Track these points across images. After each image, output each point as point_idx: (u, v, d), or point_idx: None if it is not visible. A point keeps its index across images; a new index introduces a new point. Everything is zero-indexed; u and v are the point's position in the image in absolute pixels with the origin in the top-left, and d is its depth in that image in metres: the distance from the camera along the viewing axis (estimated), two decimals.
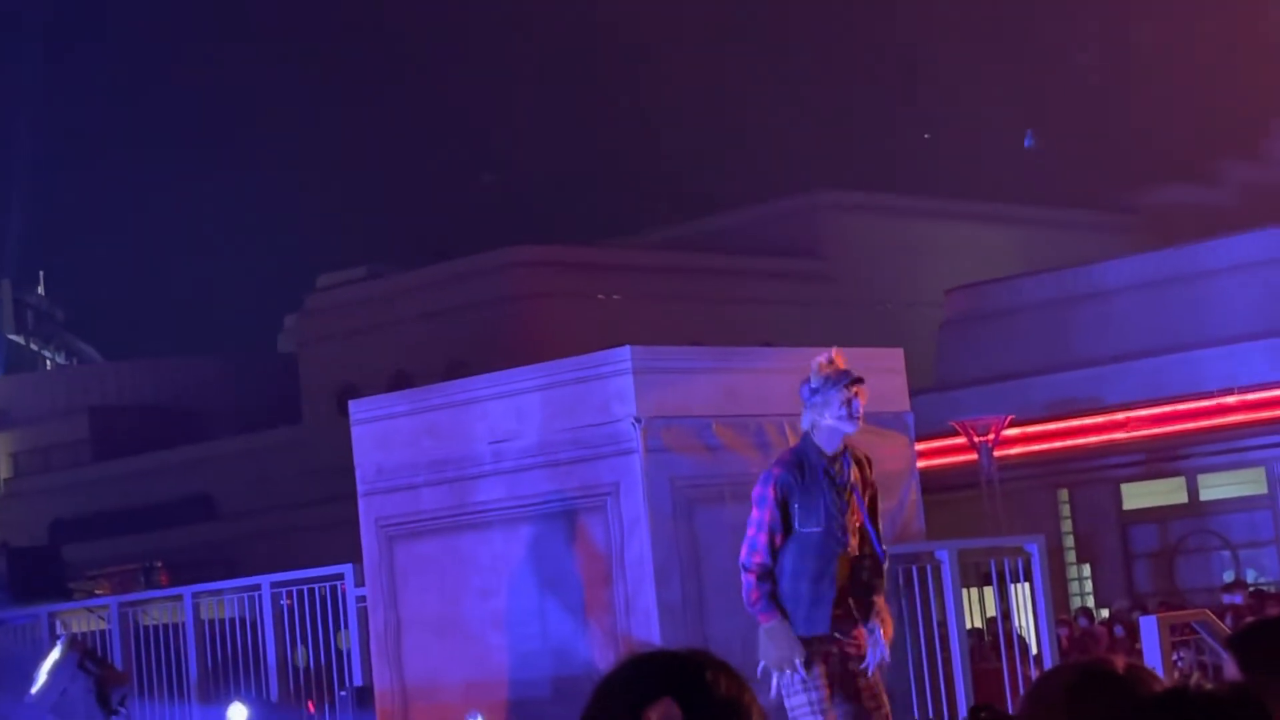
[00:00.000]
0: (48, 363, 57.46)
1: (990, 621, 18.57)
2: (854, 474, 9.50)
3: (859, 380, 9.55)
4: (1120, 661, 3.19)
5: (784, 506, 9.34)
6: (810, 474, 9.39)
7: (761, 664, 9.20)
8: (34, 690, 14.11)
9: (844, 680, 9.34)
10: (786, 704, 9.26)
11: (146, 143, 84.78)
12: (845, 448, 9.54)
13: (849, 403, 9.43)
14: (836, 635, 9.33)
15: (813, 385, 9.54)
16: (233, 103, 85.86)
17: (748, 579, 9.35)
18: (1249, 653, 4.73)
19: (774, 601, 9.27)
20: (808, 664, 9.21)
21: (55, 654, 14.09)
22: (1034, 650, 14.04)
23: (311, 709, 15.32)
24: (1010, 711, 11.91)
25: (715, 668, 2.79)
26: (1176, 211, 45.49)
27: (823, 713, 9.14)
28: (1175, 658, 14.95)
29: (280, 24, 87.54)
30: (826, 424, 9.47)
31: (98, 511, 45.99)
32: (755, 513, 9.40)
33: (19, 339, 56.52)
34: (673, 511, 12.00)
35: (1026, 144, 45.31)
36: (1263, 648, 4.80)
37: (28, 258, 58.86)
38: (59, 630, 17.15)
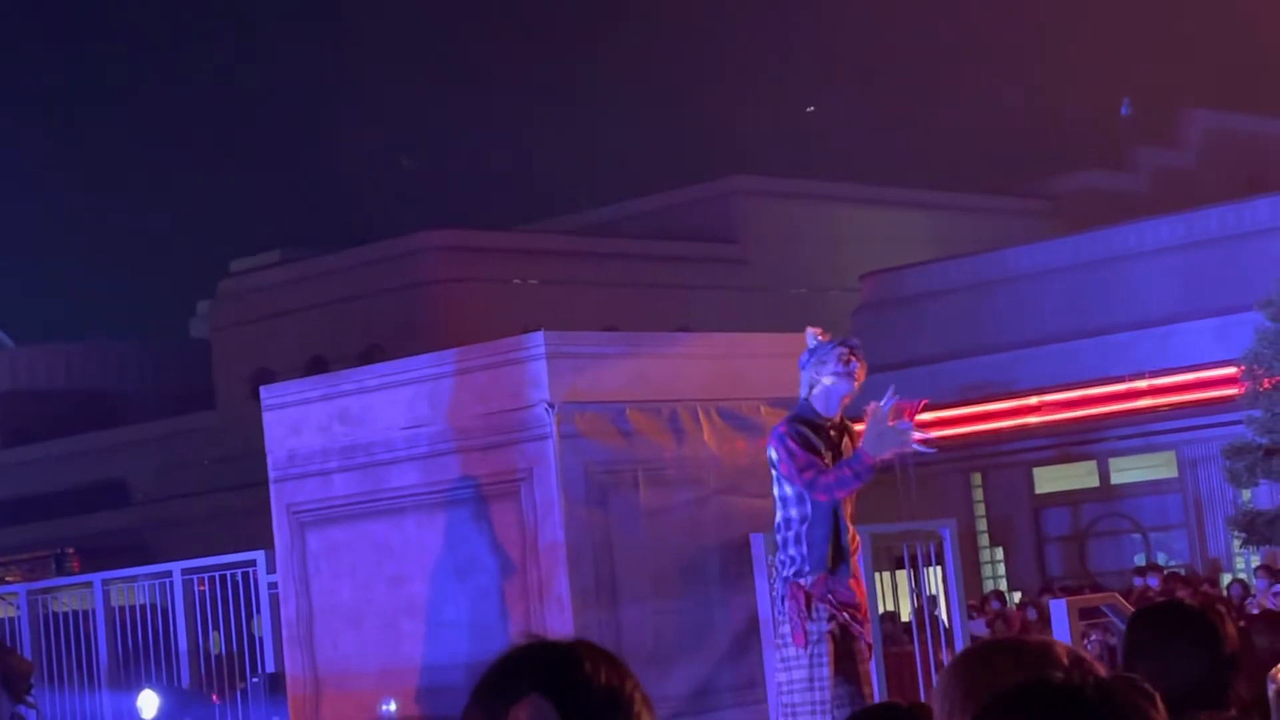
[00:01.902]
0: None
1: (917, 609, 18.64)
2: (845, 445, 9.61)
3: (858, 348, 9.63)
4: (1035, 640, 3.19)
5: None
6: (814, 434, 9.45)
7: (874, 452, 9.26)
8: None
9: (846, 659, 9.38)
10: (784, 675, 9.32)
11: (58, 121, 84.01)
12: (841, 418, 9.63)
13: (847, 360, 9.45)
14: (843, 601, 9.32)
15: (810, 345, 9.60)
16: (147, 81, 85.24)
17: (828, 481, 9.30)
18: (1134, 639, 4.79)
19: (846, 461, 9.37)
20: (817, 641, 9.26)
21: None
22: (946, 634, 14.12)
23: (216, 700, 15.22)
24: (923, 694, 11.96)
25: (595, 657, 2.75)
26: (1090, 197, 45.84)
27: (826, 713, 9.15)
28: (1085, 641, 15.09)
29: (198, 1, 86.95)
30: (825, 383, 9.50)
31: (9, 497, 45.56)
32: (789, 465, 9.42)
33: None
34: (586, 497, 11.99)
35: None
36: (1145, 633, 4.86)
37: None
38: None
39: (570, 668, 2.70)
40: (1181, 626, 4.85)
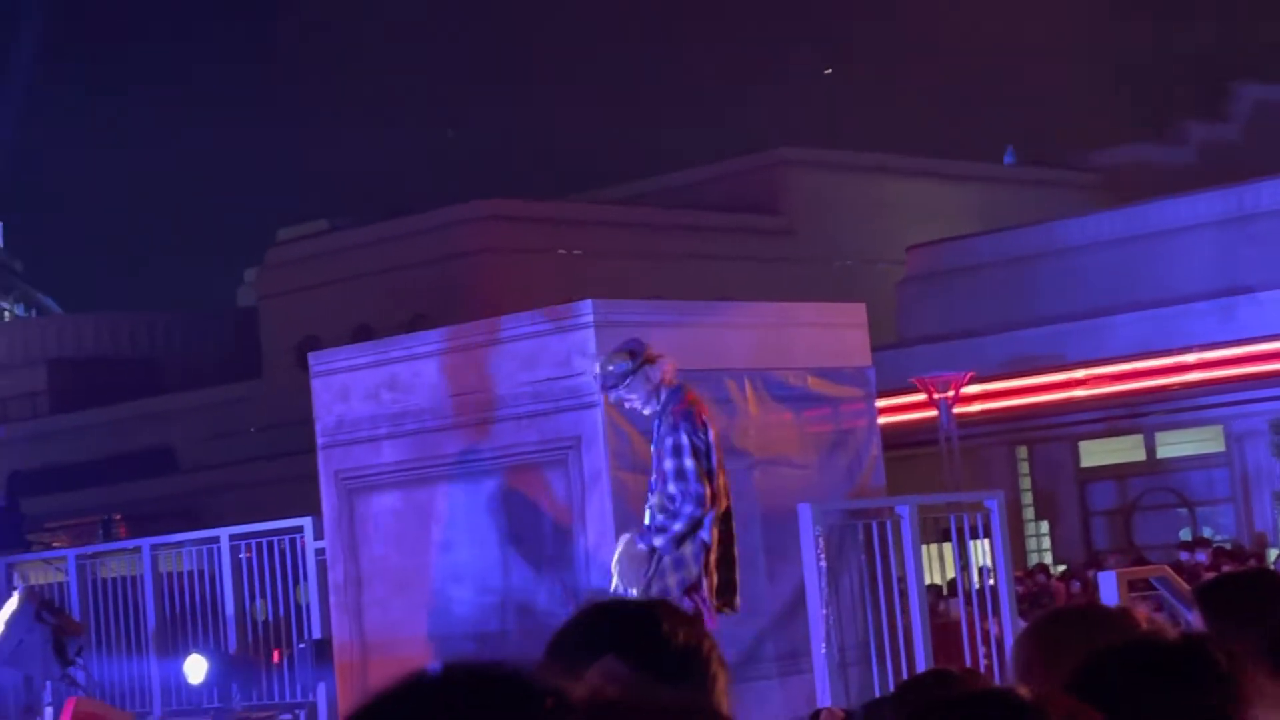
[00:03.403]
0: (6, 314, 57.18)
1: (951, 582, 18.62)
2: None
3: (605, 389, 10.06)
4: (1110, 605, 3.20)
5: None
6: None
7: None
8: None
9: None
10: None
11: (108, 96, 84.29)
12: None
13: None
14: None
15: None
16: (194, 57, 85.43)
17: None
18: (1213, 605, 4.76)
19: None
20: None
21: (12, 605, 14.07)
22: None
23: (277, 657, 15.30)
24: (969, 665, 11.96)
25: (673, 618, 2.74)
26: (1137, 170, 45.57)
27: None
28: None
29: None
30: None
31: (56, 464, 45.81)
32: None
33: None
34: (633, 465, 12.00)
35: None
36: (1226, 600, 4.83)
37: None
38: (16, 582, 17.08)
39: (647, 628, 2.70)
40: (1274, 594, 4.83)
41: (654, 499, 9.83)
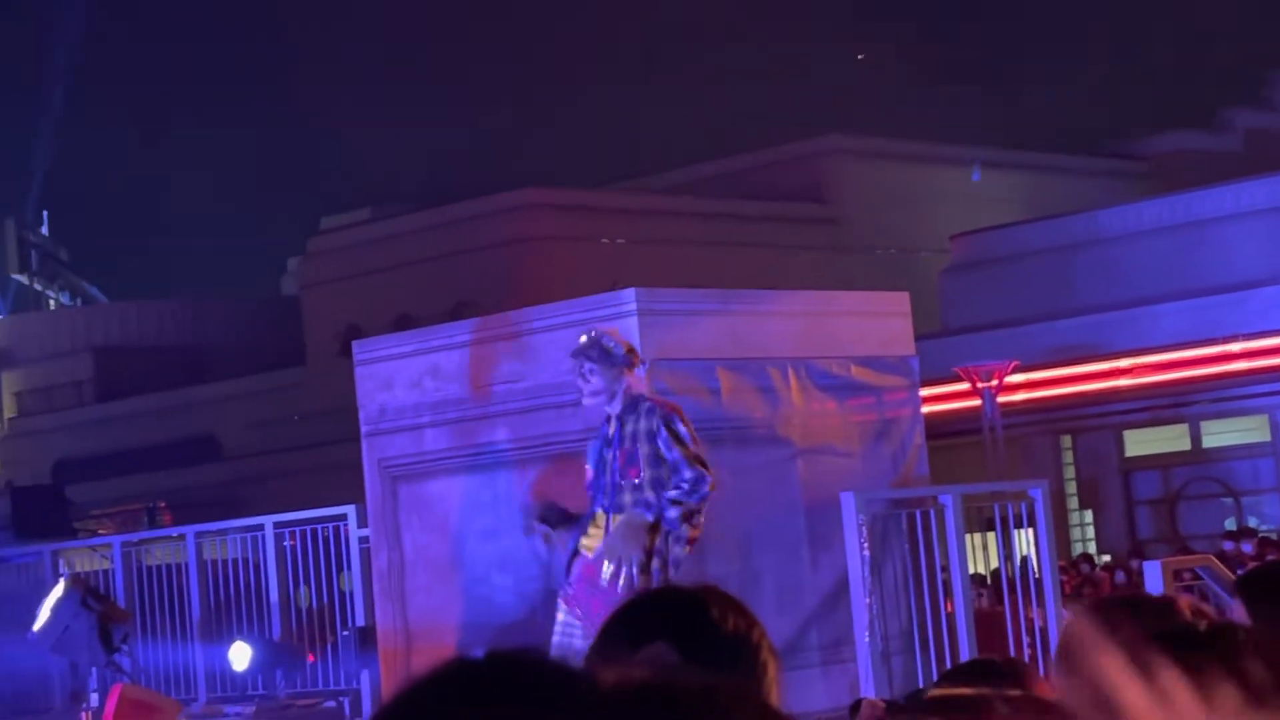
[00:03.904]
0: (52, 303, 57.39)
1: (995, 573, 18.59)
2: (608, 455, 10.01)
3: (578, 354, 9.96)
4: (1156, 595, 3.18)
5: None
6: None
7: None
8: (36, 627, 14.15)
9: None
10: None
11: (152, 82, 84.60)
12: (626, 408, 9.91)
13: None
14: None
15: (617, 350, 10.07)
16: (239, 42, 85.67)
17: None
18: (1254, 594, 4.73)
19: None
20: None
21: (58, 591, 14.13)
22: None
23: (312, 659, 15.33)
24: (1013, 654, 11.92)
25: (723, 604, 2.73)
26: (1181, 158, 45.36)
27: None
28: None
29: None
30: None
31: (101, 451, 46.04)
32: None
33: (23, 279, 56.45)
34: None
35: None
36: (1267, 589, 4.79)
37: (33, 197, 58.78)
38: (62, 569, 17.17)
39: (697, 614, 2.69)
40: None
41: (646, 476, 9.86)
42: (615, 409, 10.04)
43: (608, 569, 9.75)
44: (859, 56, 58.74)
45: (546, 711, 1.42)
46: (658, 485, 9.86)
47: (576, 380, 10.13)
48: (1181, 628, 2.55)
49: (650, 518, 9.81)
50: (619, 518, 9.89)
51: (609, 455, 10.00)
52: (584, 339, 10.12)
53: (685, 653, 2.64)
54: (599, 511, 10.01)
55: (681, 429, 9.96)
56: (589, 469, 10.23)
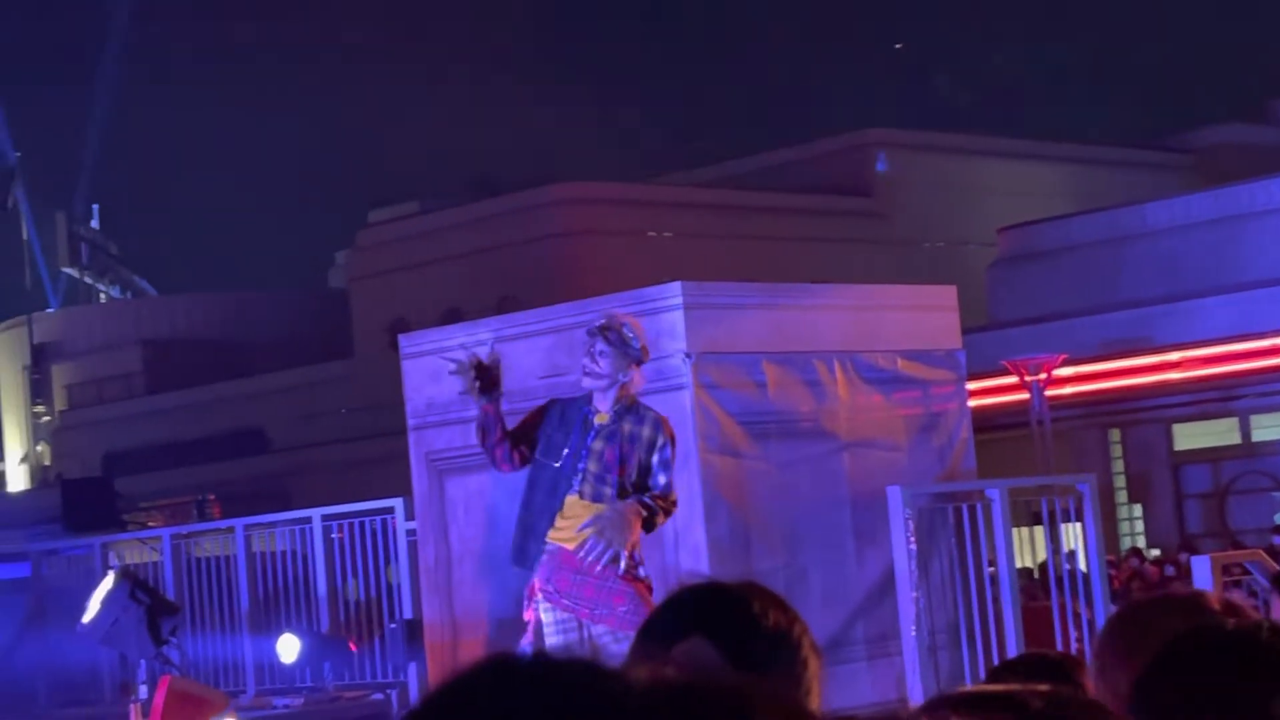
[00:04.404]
0: (102, 296, 57.71)
1: (1042, 566, 18.54)
2: (597, 445, 9.74)
3: (596, 331, 9.73)
4: (1184, 591, 3.17)
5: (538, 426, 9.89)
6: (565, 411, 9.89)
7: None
8: (86, 619, 14.23)
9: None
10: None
11: (202, 78, 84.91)
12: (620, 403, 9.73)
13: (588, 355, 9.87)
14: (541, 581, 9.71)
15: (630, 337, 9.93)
16: (289, 39, 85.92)
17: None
18: None
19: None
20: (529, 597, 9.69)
21: (107, 584, 14.21)
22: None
23: (353, 648, 15.38)
24: (1061, 648, 11.89)
25: (764, 599, 2.73)
26: (1229, 150, 45.13)
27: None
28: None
29: None
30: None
31: (151, 444, 46.27)
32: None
33: (74, 272, 56.77)
34: (721, 447, 12.00)
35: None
36: None
37: (83, 191, 59.11)
38: (112, 561, 17.27)
39: (737, 609, 2.69)
40: None
41: (630, 480, 9.77)
42: (607, 404, 9.86)
43: (591, 548, 9.50)
44: (896, 45, 58.64)
45: (581, 709, 1.44)
46: (635, 491, 9.77)
47: (583, 358, 9.98)
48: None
49: (646, 514, 9.67)
50: (598, 507, 9.74)
51: (597, 446, 9.85)
52: (605, 319, 9.97)
53: (725, 649, 2.65)
54: (571, 498, 9.80)
55: (672, 454, 9.94)
56: (538, 435, 9.98)
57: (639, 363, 9.91)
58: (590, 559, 9.52)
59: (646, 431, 9.82)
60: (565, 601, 9.79)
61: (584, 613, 9.74)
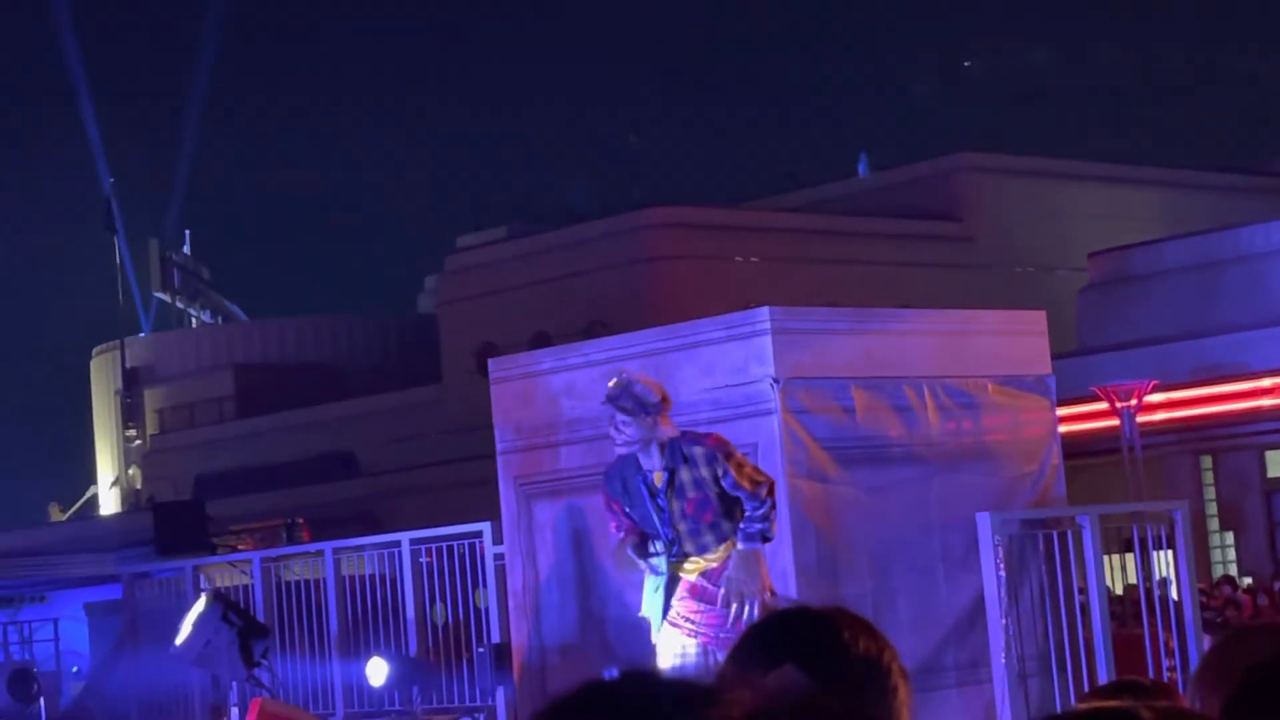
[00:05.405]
0: (193, 321, 58.20)
1: (1130, 588, 18.37)
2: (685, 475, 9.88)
3: (608, 402, 9.89)
4: None
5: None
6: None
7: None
8: (179, 641, 14.34)
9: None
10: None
11: (292, 104, 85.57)
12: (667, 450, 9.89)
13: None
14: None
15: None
16: (377, 66, 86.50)
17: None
18: None
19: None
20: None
21: (200, 607, 14.32)
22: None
23: (447, 673, 15.42)
24: (1152, 676, 11.78)
25: (854, 626, 2.73)
26: None
27: None
28: None
29: None
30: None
31: (241, 467, 46.57)
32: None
33: (166, 297, 57.27)
34: (809, 473, 11.98)
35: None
36: None
37: (174, 217, 59.66)
38: (203, 584, 17.39)
39: (828, 636, 2.68)
40: None
41: (719, 511, 9.94)
42: (654, 461, 10.01)
43: (733, 608, 9.80)
44: (965, 64, 58.42)
45: None
46: (730, 516, 9.98)
47: (609, 429, 10.13)
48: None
49: (759, 544, 9.91)
50: (717, 553, 9.97)
51: (673, 507, 10.04)
52: (613, 384, 10.09)
53: (815, 675, 2.64)
54: (678, 563, 10.12)
55: (735, 459, 10.04)
56: (626, 519, 10.23)
57: (663, 412, 10.04)
58: (738, 621, 9.79)
59: (704, 471, 9.97)
60: (688, 628, 9.90)
61: (707, 639, 9.83)
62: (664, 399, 10.10)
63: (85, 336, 57.45)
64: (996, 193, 45.17)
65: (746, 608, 9.80)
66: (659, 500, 10.02)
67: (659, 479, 10.00)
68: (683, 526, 9.98)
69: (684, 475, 9.98)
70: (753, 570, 9.89)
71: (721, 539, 9.97)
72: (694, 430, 10.51)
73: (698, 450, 10.02)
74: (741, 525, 9.95)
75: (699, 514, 9.95)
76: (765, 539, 10.03)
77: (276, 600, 16.74)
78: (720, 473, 9.95)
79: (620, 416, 9.98)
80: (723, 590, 9.89)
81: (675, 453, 10.01)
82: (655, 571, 10.19)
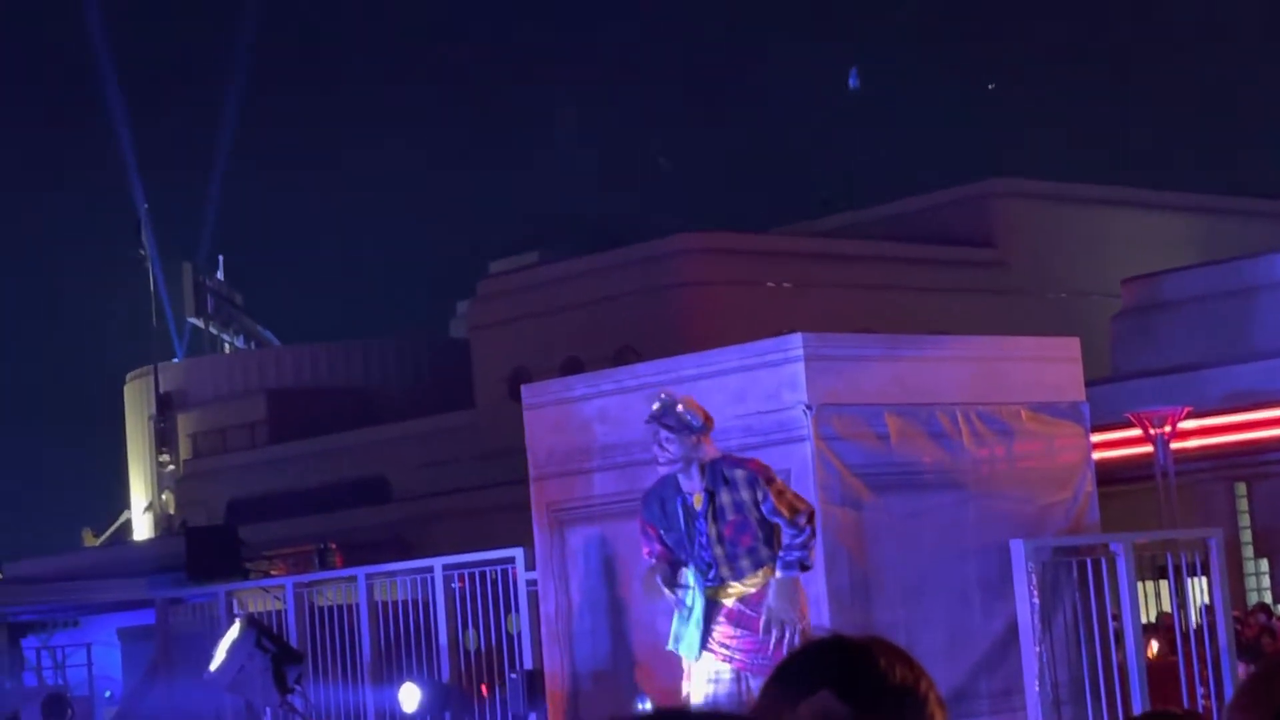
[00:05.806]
0: (226, 346, 58.38)
1: (1164, 615, 18.30)
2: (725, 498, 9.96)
3: (653, 419, 9.85)
4: None
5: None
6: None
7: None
8: (212, 667, 14.37)
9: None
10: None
11: (324, 128, 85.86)
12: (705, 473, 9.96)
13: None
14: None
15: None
16: (410, 87, 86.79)
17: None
18: None
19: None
20: None
21: (233, 632, 14.34)
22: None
23: (485, 691, 15.43)
24: (1186, 705, 11.74)
25: (890, 655, 2.73)
26: None
27: None
28: None
29: (450, 11, 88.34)
30: None
31: (274, 492, 46.65)
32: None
33: (199, 322, 57.47)
34: (842, 499, 11.97)
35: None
36: None
37: (207, 242, 59.88)
38: (236, 609, 17.41)
39: (864, 664, 2.69)
40: None
41: (760, 537, 10.01)
42: (694, 483, 10.07)
43: (774, 635, 9.84)
44: (989, 86, 58.36)
45: None
46: (768, 543, 10.03)
47: (653, 447, 10.21)
48: None
49: (797, 572, 9.95)
50: (754, 579, 10.01)
51: (711, 531, 10.07)
52: (657, 405, 10.19)
53: (851, 703, 2.64)
54: (716, 587, 10.16)
55: (775, 484, 10.10)
56: (659, 545, 10.28)
57: (706, 432, 10.11)
58: (778, 648, 9.83)
59: (745, 494, 10.00)
60: (723, 653, 9.93)
61: (742, 664, 9.86)
62: (707, 420, 10.17)
63: (119, 362, 57.68)
64: (1030, 218, 45.11)
65: (787, 634, 9.81)
66: (697, 524, 10.05)
67: (698, 501, 10.05)
68: (720, 550, 10.02)
69: (724, 498, 10.02)
70: (792, 598, 9.91)
71: (758, 565, 9.99)
72: (736, 454, 10.55)
73: (739, 473, 10.05)
74: (780, 553, 9.97)
75: (737, 537, 9.98)
76: (804, 568, 10.03)
77: (309, 626, 16.76)
78: (760, 497, 9.98)
79: (664, 434, 10.05)
80: (763, 618, 9.91)
81: (716, 475, 10.04)
82: (679, 604, 10.20)
